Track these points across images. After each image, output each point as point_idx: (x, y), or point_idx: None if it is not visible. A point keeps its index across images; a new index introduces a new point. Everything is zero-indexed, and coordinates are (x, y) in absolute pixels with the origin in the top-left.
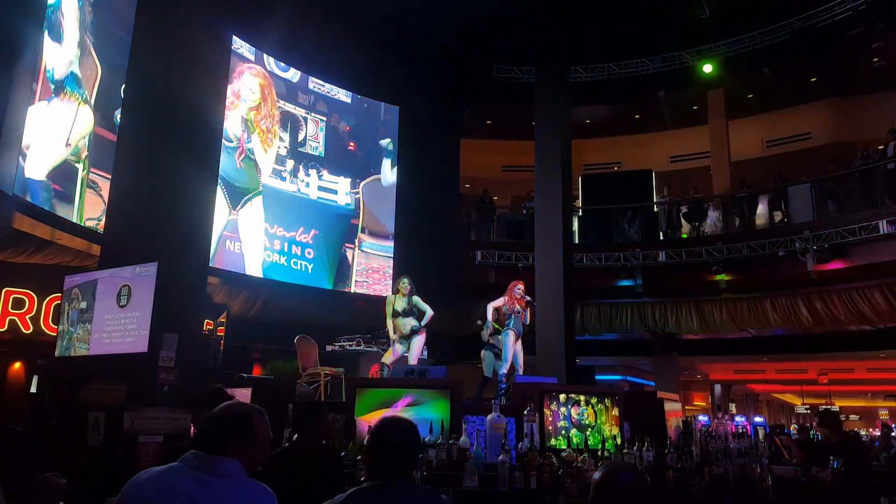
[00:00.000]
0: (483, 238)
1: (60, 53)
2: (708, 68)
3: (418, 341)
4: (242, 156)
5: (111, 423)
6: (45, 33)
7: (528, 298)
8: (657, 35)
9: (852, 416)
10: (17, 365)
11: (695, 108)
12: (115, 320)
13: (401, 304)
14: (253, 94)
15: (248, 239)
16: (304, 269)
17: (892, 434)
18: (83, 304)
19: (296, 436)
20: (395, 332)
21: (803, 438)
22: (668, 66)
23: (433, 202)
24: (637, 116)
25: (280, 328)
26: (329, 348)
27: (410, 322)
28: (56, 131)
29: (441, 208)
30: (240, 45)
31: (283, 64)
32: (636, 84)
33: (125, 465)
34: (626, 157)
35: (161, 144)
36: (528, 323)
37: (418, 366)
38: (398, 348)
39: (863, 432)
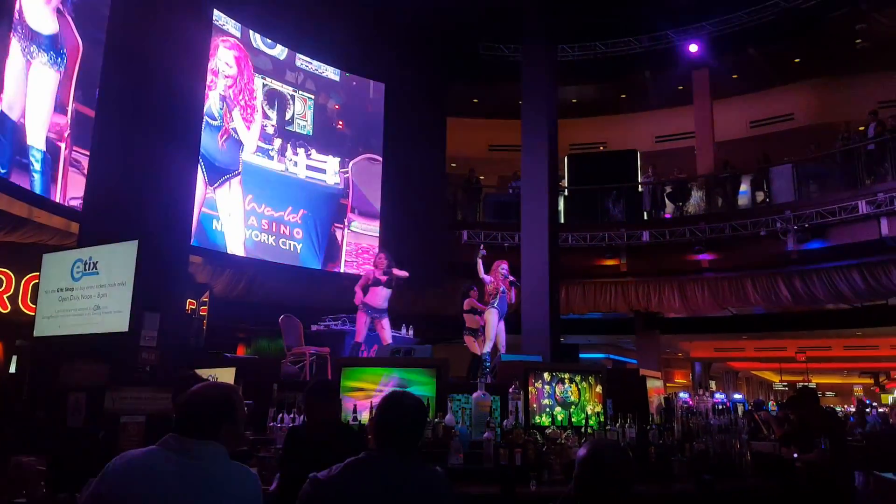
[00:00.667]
0: (469, 218)
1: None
2: (693, 48)
3: (386, 320)
4: (226, 136)
5: (92, 403)
6: None
7: (513, 278)
8: (644, 14)
9: (829, 393)
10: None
11: (680, 88)
12: (96, 299)
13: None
14: (229, 68)
15: (227, 217)
16: (292, 248)
17: (867, 410)
18: (62, 283)
19: (305, 418)
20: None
21: (781, 415)
22: (655, 45)
23: (419, 181)
24: (623, 96)
25: (265, 308)
26: (314, 328)
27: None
28: (47, 96)
29: (427, 188)
30: (224, 22)
31: (269, 41)
32: (622, 64)
33: (107, 446)
34: (612, 137)
35: (140, 121)
36: (513, 302)
37: (404, 345)
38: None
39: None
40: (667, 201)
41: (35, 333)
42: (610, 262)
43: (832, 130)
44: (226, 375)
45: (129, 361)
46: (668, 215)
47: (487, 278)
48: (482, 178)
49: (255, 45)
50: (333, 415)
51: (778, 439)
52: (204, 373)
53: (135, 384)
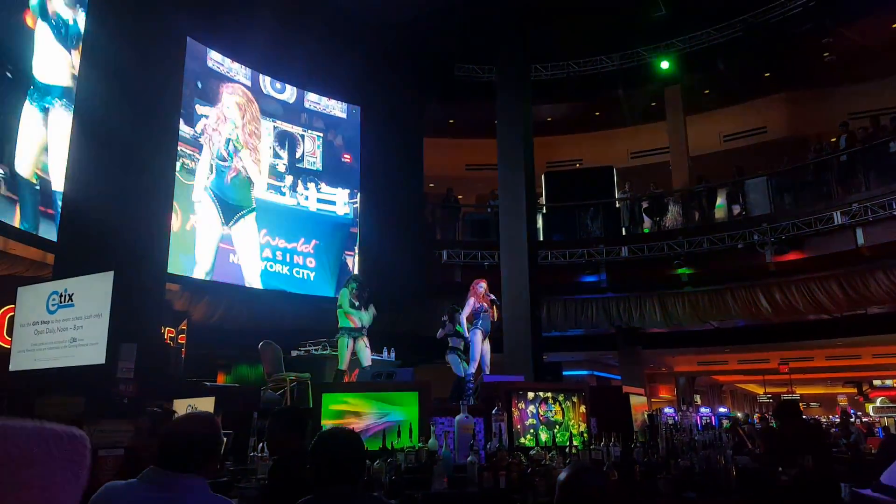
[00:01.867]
0: (448, 237)
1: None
2: (665, 65)
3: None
4: (234, 174)
5: None
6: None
7: (493, 297)
8: (615, 33)
9: (812, 404)
10: None
11: (653, 104)
12: (72, 331)
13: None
14: (234, 114)
15: (243, 252)
16: (306, 276)
17: (851, 420)
18: (37, 317)
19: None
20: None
21: (764, 428)
22: (627, 63)
23: (398, 202)
24: (597, 114)
25: (244, 335)
26: (294, 353)
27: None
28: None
29: (406, 208)
30: (235, 72)
31: (279, 85)
32: (596, 82)
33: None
34: (587, 154)
35: (113, 152)
36: (496, 320)
37: (385, 368)
38: (346, 342)
39: (823, 419)
40: (644, 216)
41: (11, 367)
42: (590, 278)
43: (804, 142)
44: (205, 405)
45: (107, 393)
46: (646, 230)
47: (470, 301)
48: (460, 197)
49: (265, 92)
50: (299, 446)
51: (762, 454)
52: (182, 403)
53: (113, 417)
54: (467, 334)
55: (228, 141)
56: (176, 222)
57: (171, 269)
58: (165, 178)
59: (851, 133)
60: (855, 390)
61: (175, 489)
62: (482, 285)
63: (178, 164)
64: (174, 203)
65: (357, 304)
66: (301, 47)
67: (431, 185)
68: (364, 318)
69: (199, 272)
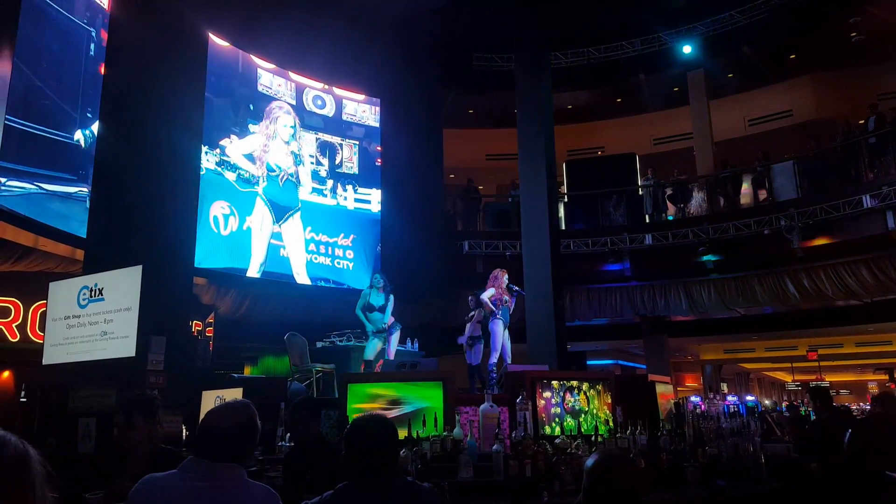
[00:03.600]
0: (469, 228)
1: None
2: (687, 49)
3: (396, 335)
4: (285, 178)
5: (102, 429)
6: None
7: (516, 288)
8: (636, 18)
9: (843, 391)
10: (6, 374)
11: (676, 89)
12: (102, 325)
13: (377, 299)
14: (290, 131)
15: (291, 246)
16: (346, 267)
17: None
18: (69, 311)
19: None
20: (372, 327)
21: (794, 415)
22: (648, 48)
23: (419, 194)
24: (618, 100)
25: (270, 327)
26: (319, 345)
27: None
28: None
29: (427, 199)
30: (282, 93)
31: (319, 102)
32: (616, 67)
33: (116, 471)
34: (610, 142)
35: (140, 150)
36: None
37: (409, 359)
38: (376, 343)
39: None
40: (668, 203)
41: (44, 361)
42: (613, 267)
43: (831, 125)
44: (233, 396)
45: (137, 386)
46: (669, 217)
47: (489, 291)
48: (481, 187)
49: (307, 108)
50: (317, 433)
51: (792, 441)
52: (211, 394)
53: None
54: (492, 307)
55: (293, 154)
56: (234, 223)
57: (227, 265)
58: (192, 173)
59: (881, 114)
60: (886, 377)
61: (213, 478)
62: (502, 276)
63: (235, 175)
64: (232, 207)
65: (381, 299)
66: (322, 42)
67: (452, 175)
68: (380, 319)
69: (255, 266)
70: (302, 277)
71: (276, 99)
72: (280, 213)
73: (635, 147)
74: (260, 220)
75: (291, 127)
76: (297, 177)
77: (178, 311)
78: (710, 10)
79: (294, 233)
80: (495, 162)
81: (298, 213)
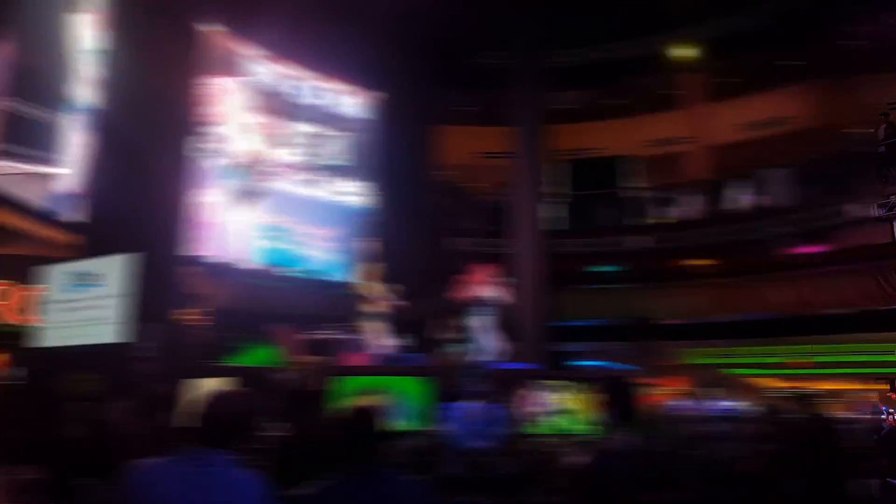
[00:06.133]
0: (461, 225)
1: None
2: (687, 52)
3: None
4: (272, 167)
5: (91, 413)
6: None
7: (499, 284)
8: (635, 19)
9: (839, 399)
10: (5, 356)
11: (674, 92)
12: (96, 311)
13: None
14: (260, 117)
15: (279, 237)
16: (333, 259)
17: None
18: (63, 295)
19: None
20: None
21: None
22: (647, 50)
23: (411, 189)
24: (616, 102)
25: (263, 317)
26: (310, 337)
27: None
28: None
29: (419, 196)
30: (278, 84)
31: (317, 93)
32: (614, 69)
33: (105, 456)
34: (606, 143)
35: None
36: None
37: (398, 353)
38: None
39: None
40: (663, 206)
41: (34, 344)
42: (607, 268)
43: (829, 132)
44: (225, 385)
45: (128, 372)
46: (664, 221)
47: (474, 288)
48: (474, 185)
49: (302, 99)
50: (309, 423)
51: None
52: (203, 382)
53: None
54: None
55: (253, 139)
56: (215, 212)
57: (219, 254)
58: (187, 163)
59: (891, 123)
60: (888, 386)
61: (206, 464)
62: (488, 274)
63: (227, 162)
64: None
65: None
66: (318, 37)
67: (445, 172)
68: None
69: (246, 255)
70: (289, 269)
71: (267, 89)
72: (269, 202)
73: (632, 149)
74: (250, 209)
75: (279, 113)
76: (285, 166)
77: (173, 299)
78: (710, 13)
79: (283, 223)
80: (489, 160)
81: (288, 203)
